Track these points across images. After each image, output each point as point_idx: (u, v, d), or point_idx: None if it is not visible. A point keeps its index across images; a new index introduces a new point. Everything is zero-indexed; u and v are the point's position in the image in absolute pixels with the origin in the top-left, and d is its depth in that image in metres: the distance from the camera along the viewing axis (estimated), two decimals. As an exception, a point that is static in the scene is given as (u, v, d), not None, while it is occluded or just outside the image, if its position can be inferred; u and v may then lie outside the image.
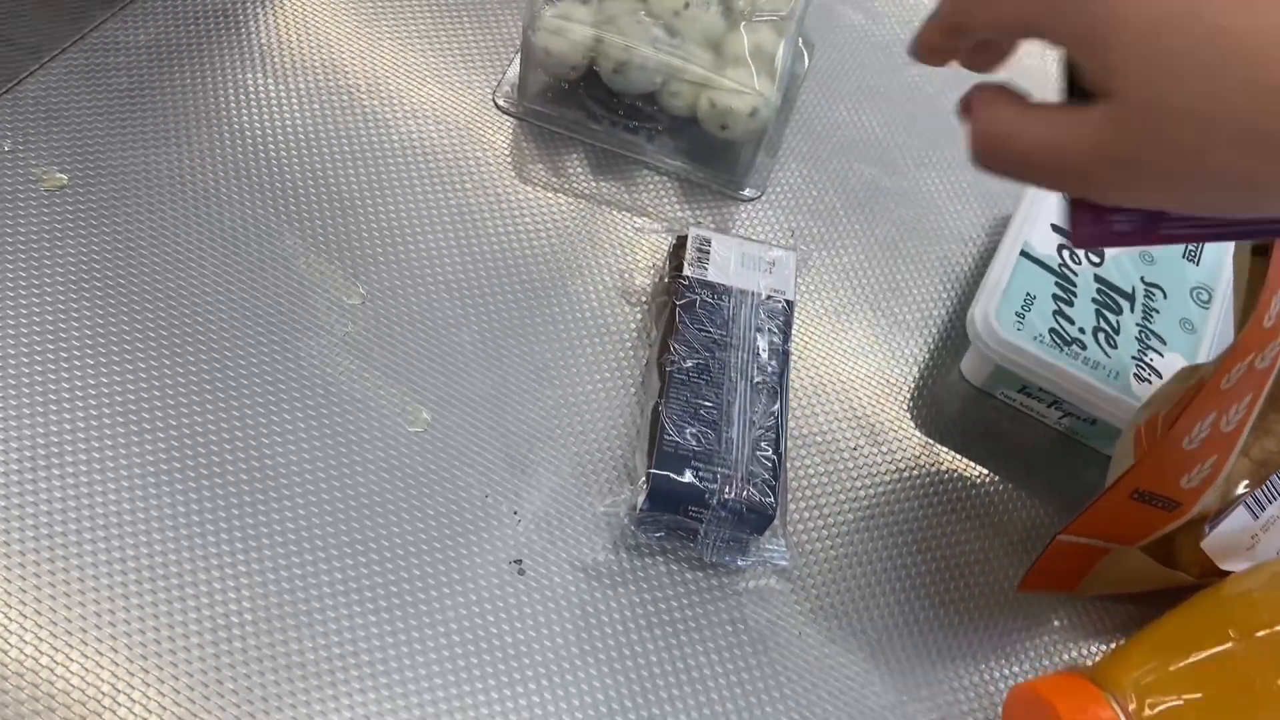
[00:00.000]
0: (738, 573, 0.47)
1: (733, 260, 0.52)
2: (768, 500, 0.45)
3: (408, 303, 0.52)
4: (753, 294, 0.51)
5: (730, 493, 0.45)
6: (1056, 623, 0.50)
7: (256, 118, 0.55)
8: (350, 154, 0.55)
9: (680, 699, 0.44)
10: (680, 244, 0.53)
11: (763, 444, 0.46)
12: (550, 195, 0.56)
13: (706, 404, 0.47)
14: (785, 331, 0.50)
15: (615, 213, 0.57)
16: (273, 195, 0.53)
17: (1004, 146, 0.32)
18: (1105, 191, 0.32)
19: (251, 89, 0.56)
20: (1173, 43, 0.28)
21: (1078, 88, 0.32)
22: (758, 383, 0.48)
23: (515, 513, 0.47)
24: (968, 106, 0.34)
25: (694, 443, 0.46)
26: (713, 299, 0.50)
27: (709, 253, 0.52)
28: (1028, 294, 0.53)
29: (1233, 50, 0.28)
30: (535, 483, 0.48)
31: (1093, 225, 0.35)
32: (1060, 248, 0.55)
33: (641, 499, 0.45)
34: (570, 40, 0.54)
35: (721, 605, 0.47)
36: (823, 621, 0.47)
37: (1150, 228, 0.34)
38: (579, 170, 0.58)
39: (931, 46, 0.36)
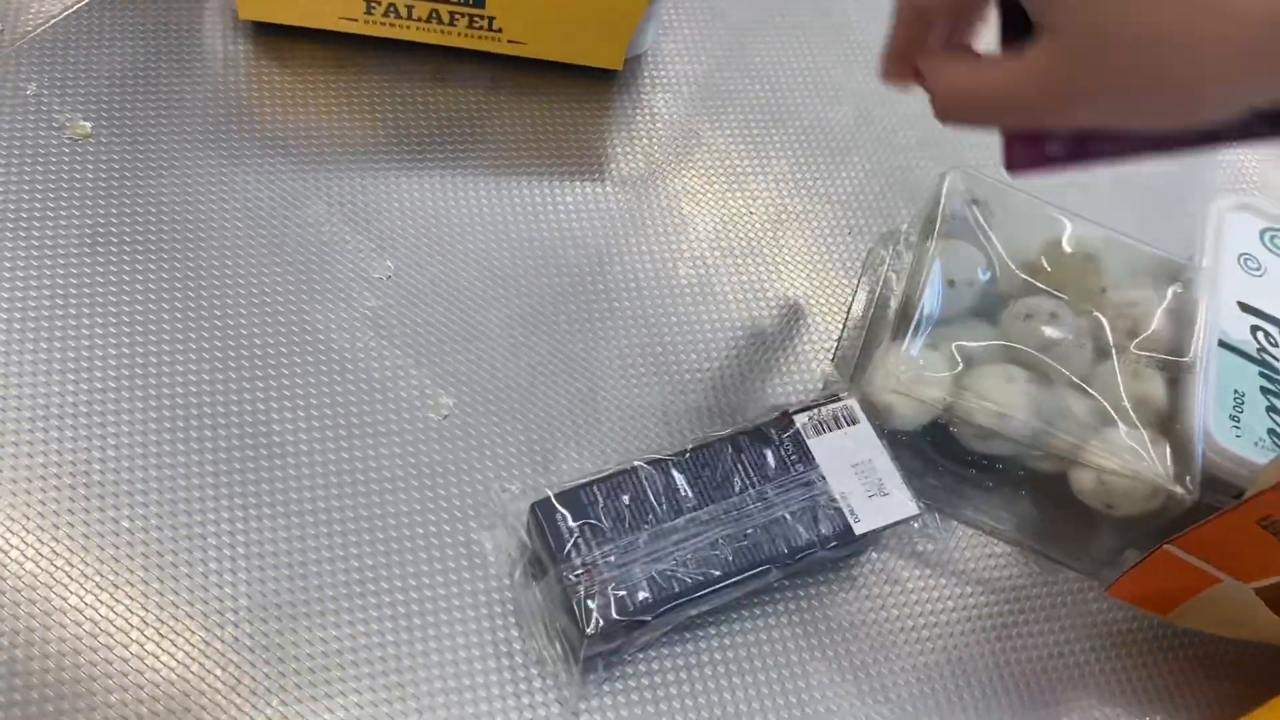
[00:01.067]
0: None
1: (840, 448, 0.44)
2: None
3: (435, 280, 0.49)
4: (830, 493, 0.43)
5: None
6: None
7: (289, 76, 0.53)
8: (385, 120, 0.53)
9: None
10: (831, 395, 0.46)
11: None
12: (595, 185, 0.53)
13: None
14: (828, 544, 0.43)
15: (662, 199, 0.53)
16: (301, 159, 0.51)
17: (967, 102, 0.36)
18: (1054, 118, 0.35)
19: (285, 48, 0.53)
20: None
21: (1009, 36, 0.35)
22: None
23: (533, 511, 0.44)
24: (918, 74, 0.37)
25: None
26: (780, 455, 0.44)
27: (834, 423, 0.45)
28: (1236, 391, 0.48)
29: None
30: (555, 481, 0.45)
31: (1027, 152, 0.38)
32: (1254, 329, 0.50)
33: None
34: (919, 404, 0.45)
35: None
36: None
37: (1080, 150, 0.37)
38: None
39: (897, 53, 0.38)
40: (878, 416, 0.46)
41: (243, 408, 0.44)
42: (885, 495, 0.44)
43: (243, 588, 0.41)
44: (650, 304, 0.50)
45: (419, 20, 0.51)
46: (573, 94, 0.55)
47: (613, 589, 0.40)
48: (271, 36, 0.53)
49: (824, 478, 0.43)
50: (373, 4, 0.51)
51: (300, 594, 0.41)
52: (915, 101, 0.60)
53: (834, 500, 0.43)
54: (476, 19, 0.51)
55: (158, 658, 0.39)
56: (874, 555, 0.46)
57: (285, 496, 0.43)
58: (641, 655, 0.42)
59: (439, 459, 0.45)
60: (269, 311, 0.46)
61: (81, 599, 0.39)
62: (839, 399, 0.45)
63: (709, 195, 0.54)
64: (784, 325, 0.51)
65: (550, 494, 0.41)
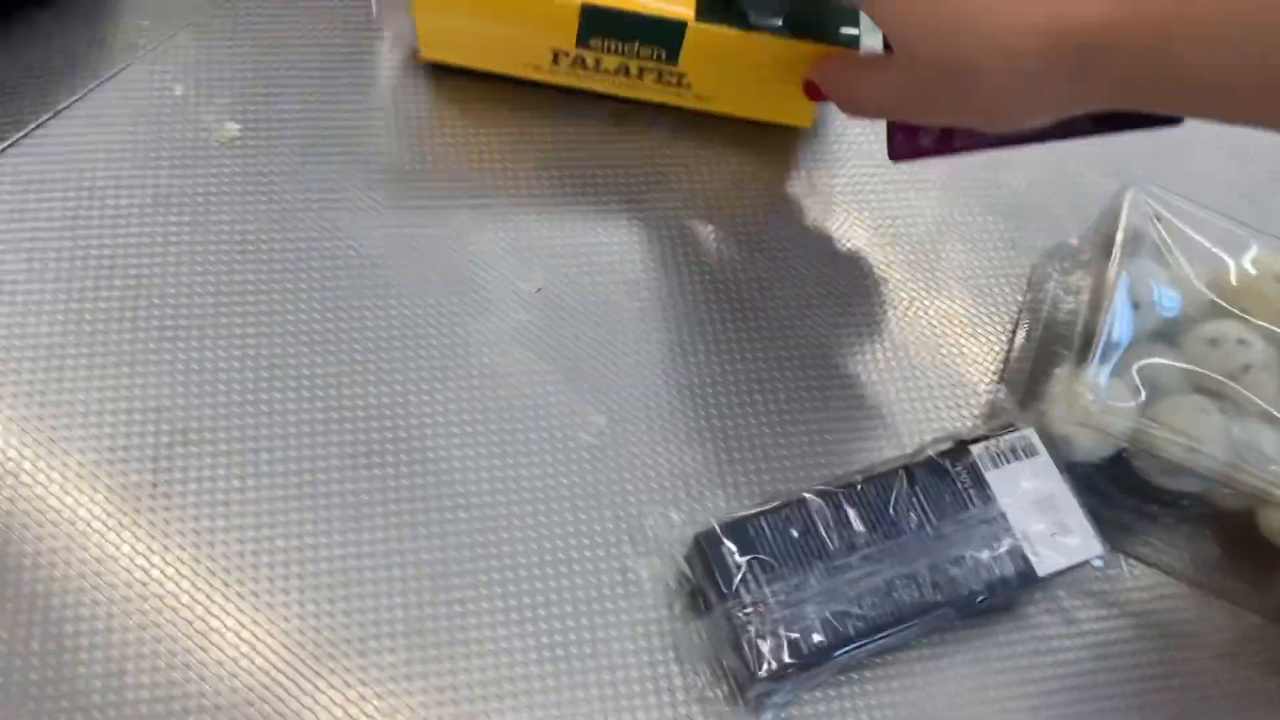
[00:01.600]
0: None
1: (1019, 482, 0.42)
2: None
3: (583, 295, 0.47)
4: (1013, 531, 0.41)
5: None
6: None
7: (451, 103, 0.51)
8: (556, 162, 0.51)
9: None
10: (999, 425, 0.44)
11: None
12: (775, 232, 0.51)
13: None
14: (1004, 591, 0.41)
15: (818, 209, 0.51)
16: (448, 168, 0.49)
17: (851, 106, 0.45)
18: (912, 117, 0.45)
19: (447, 74, 0.52)
20: (919, 18, 0.39)
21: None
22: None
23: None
24: (813, 88, 0.47)
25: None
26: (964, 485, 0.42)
27: (1012, 455, 0.43)
28: None
29: (964, 20, 0.37)
30: (715, 509, 0.43)
31: (906, 142, 0.46)
32: None
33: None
34: (1103, 436, 0.43)
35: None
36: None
37: (946, 143, 0.46)
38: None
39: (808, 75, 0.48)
40: (1054, 447, 0.43)
41: (396, 424, 0.43)
42: (1068, 534, 0.41)
43: (399, 613, 0.39)
44: (806, 322, 0.48)
45: (606, 73, 0.49)
46: (759, 146, 0.53)
47: (784, 629, 0.38)
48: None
49: (1004, 514, 0.41)
50: (560, 56, 0.49)
51: (458, 619, 0.40)
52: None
53: (1015, 538, 0.41)
54: (666, 74, 0.49)
55: (315, 685, 0.38)
56: (1043, 593, 0.44)
57: (440, 517, 0.41)
58: (807, 697, 0.40)
59: (590, 480, 0.43)
60: (420, 320, 0.45)
61: (238, 619, 0.38)
62: (1016, 428, 0.43)
63: (865, 204, 0.52)
64: (945, 344, 0.49)
65: (715, 525, 0.40)
